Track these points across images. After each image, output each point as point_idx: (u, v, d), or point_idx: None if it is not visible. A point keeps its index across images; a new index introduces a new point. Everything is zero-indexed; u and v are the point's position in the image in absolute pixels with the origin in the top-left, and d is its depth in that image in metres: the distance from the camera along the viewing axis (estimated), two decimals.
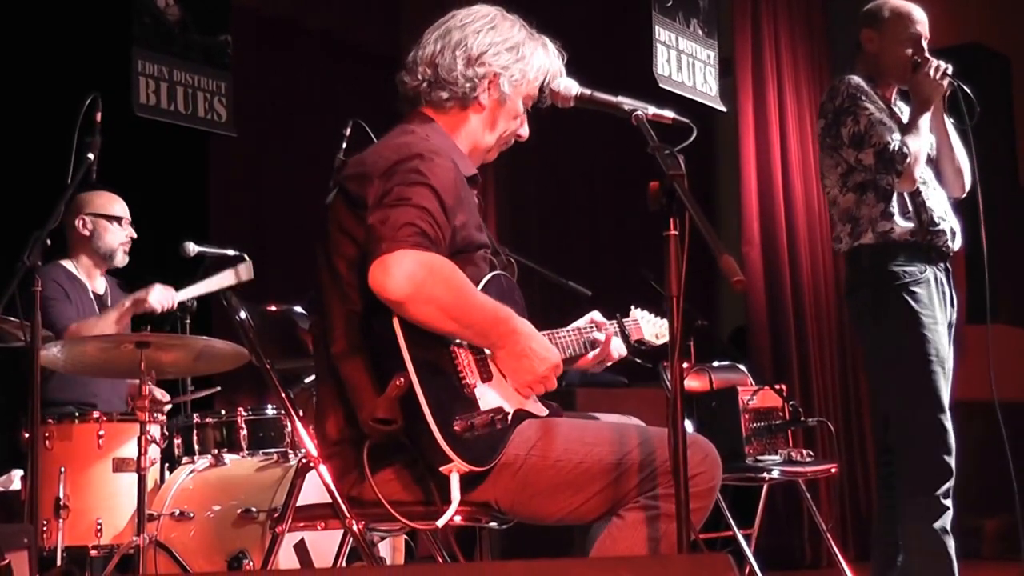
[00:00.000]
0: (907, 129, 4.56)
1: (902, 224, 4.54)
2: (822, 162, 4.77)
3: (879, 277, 4.56)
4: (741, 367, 5.80)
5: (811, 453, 5.33)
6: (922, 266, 4.55)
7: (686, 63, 6.65)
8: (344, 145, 4.40)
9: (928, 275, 4.55)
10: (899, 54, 4.66)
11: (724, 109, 7.06)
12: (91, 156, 4.23)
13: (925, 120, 4.56)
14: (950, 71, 4.55)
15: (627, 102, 3.06)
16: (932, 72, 4.54)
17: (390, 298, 2.82)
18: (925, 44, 4.67)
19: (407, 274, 2.80)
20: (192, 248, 5.50)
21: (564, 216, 8.54)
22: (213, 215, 7.58)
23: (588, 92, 3.21)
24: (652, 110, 3.04)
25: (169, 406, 5.37)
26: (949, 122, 4.69)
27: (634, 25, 6.85)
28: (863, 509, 7.44)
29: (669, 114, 3.07)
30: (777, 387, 5.43)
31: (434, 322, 2.87)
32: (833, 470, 5.35)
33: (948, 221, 4.64)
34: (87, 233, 5.51)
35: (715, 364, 5.67)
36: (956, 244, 4.67)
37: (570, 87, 3.24)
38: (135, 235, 5.61)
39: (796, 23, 7.61)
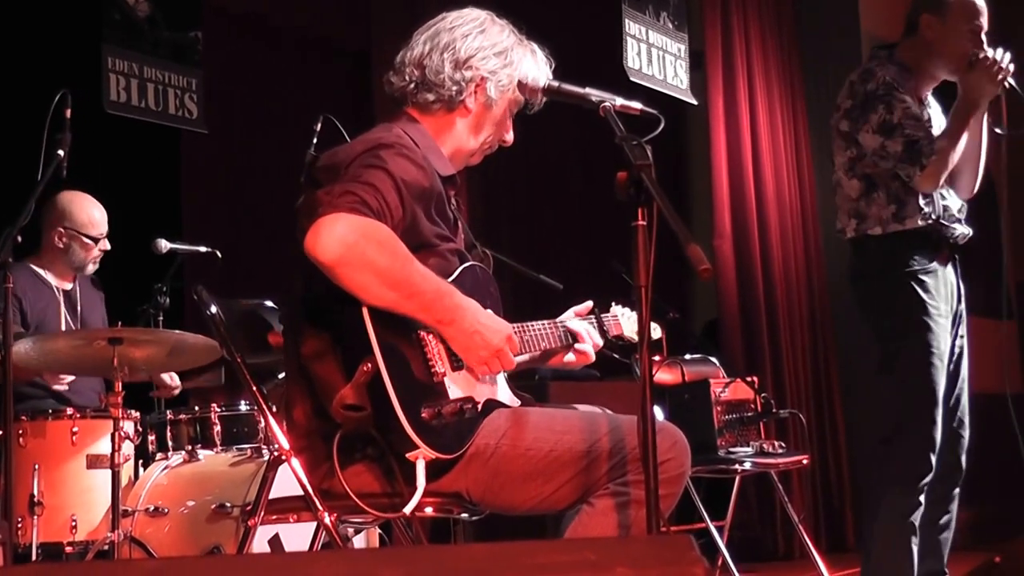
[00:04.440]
0: (946, 131, 4.40)
1: (913, 225, 4.43)
2: (834, 141, 4.61)
3: (888, 264, 4.46)
4: (713, 360, 5.83)
5: (783, 445, 5.37)
6: (931, 257, 4.46)
7: (656, 56, 6.67)
8: (315, 141, 4.40)
9: (936, 266, 4.46)
10: (959, 46, 4.45)
11: (695, 102, 7.08)
12: (61, 153, 4.22)
13: (965, 122, 4.37)
14: (1010, 72, 4.34)
15: (594, 93, 3.06)
16: (991, 73, 4.32)
17: (320, 259, 2.80)
18: (984, 39, 4.47)
19: (338, 236, 2.79)
20: (164, 245, 5.51)
21: (534, 209, 8.54)
22: (184, 212, 7.55)
23: (556, 84, 3.21)
24: (620, 101, 3.03)
25: (178, 390, 5.42)
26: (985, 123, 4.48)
27: (604, 19, 6.87)
28: (835, 500, 7.49)
29: (637, 105, 3.07)
30: (749, 379, 5.46)
31: (371, 289, 2.84)
32: (805, 461, 5.38)
33: (961, 217, 4.56)
34: (61, 246, 5.50)
35: (687, 357, 5.69)
36: (967, 237, 4.57)
37: (538, 79, 3.25)
38: (108, 247, 5.60)
39: (765, 15, 7.65)
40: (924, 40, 4.54)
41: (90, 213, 5.54)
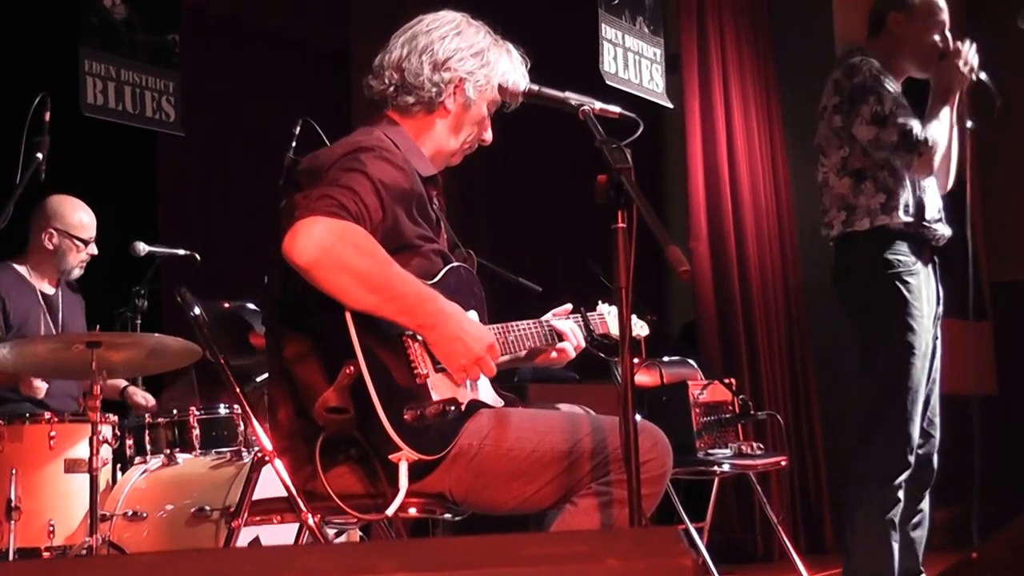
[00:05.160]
0: (928, 118, 4.47)
1: (901, 218, 4.48)
2: (826, 140, 4.64)
3: (874, 264, 4.49)
4: (691, 362, 5.84)
5: (761, 446, 5.38)
6: (914, 257, 4.50)
7: (633, 61, 6.68)
8: (294, 144, 4.40)
9: (919, 267, 4.50)
10: (927, 41, 4.58)
11: (671, 106, 7.09)
12: (40, 156, 4.22)
13: (946, 110, 4.48)
14: (976, 63, 4.49)
15: (574, 97, 3.09)
16: (959, 64, 4.47)
17: (297, 263, 2.80)
18: (948, 33, 4.58)
19: (315, 239, 2.79)
20: (142, 248, 5.53)
21: (512, 212, 8.56)
22: (161, 215, 7.55)
23: (536, 88, 3.23)
24: (599, 105, 3.06)
25: (153, 408, 5.42)
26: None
27: (580, 23, 6.88)
28: (813, 502, 7.51)
29: (616, 109, 3.10)
30: (727, 381, 5.47)
31: (350, 292, 2.83)
32: (783, 463, 5.39)
33: (941, 217, 4.60)
34: (50, 248, 5.51)
35: (665, 359, 5.69)
36: (946, 239, 4.61)
37: (518, 83, 3.28)
38: (96, 252, 5.61)
39: (741, 20, 7.67)
40: (893, 38, 4.63)
41: (81, 216, 5.57)
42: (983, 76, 4.51)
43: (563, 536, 2.13)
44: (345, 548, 2.09)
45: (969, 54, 4.48)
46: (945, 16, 4.61)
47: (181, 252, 5.72)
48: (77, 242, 5.52)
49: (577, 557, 1.35)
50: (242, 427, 5.08)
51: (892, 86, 4.51)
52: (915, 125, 4.42)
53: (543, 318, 3.49)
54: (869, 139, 4.47)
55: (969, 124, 4.57)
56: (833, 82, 4.60)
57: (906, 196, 4.51)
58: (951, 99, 4.50)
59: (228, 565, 1.32)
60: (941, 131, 4.45)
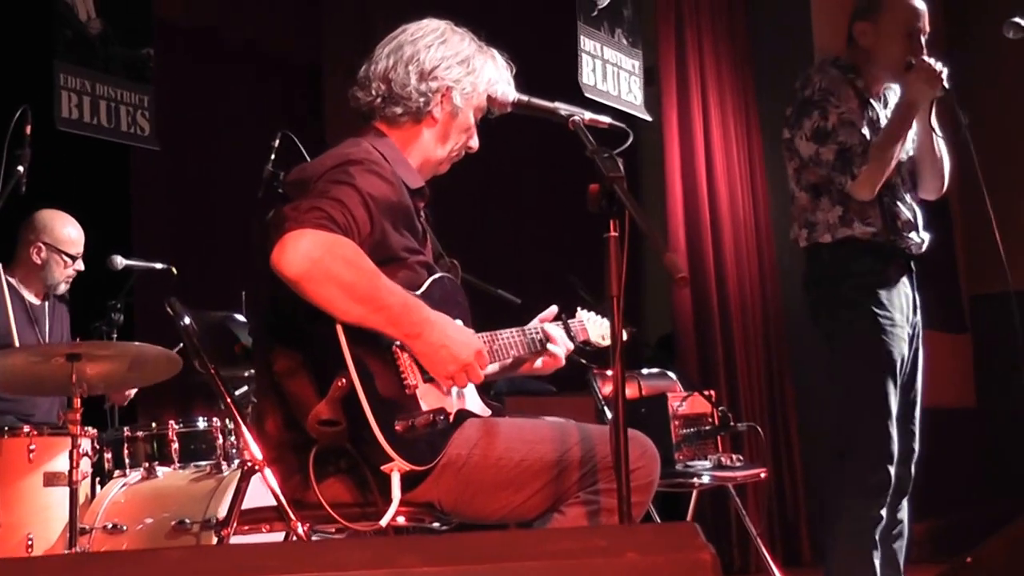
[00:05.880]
0: (882, 134, 4.38)
1: (864, 228, 4.39)
2: (781, 151, 4.58)
3: (839, 274, 4.42)
4: (670, 374, 5.83)
5: (741, 458, 5.37)
6: (884, 267, 4.42)
7: (611, 72, 6.69)
8: (272, 157, 4.40)
9: (890, 276, 4.42)
10: (894, 51, 4.44)
11: (649, 118, 7.09)
12: (21, 169, 4.21)
13: (904, 125, 4.36)
14: (945, 75, 4.31)
15: (563, 107, 3.10)
16: (925, 76, 4.31)
17: (286, 274, 2.80)
18: (924, 40, 4.44)
19: (303, 251, 2.79)
20: (119, 262, 5.52)
21: (489, 223, 8.55)
22: (136, 229, 7.53)
23: (525, 98, 3.24)
24: (588, 115, 3.07)
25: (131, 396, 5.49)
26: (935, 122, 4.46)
27: (559, 36, 6.89)
28: (790, 514, 7.51)
29: (605, 119, 3.10)
30: (707, 393, 5.46)
31: (337, 303, 2.83)
32: (763, 475, 5.38)
33: (916, 225, 4.50)
34: (38, 261, 5.53)
35: (644, 371, 5.69)
36: (923, 247, 4.52)
37: (507, 93, 3.27)
38: (83, 268, 5.61)
39: (719, 32, 7.68)
40: (861, 48, 4.54)
41: (70, 231, 5.62)
42: (950, 88, 4.35)
43: (582, 531, 2.15)
44: (373, 541, 2.09)
45: (937, 67, 4.32)
46: (921, 24, 4.47)
47: (159, 266, 5.71)
48: (65, 257, 5.56)
49: (597, 551, 1.35)
50: (221, 440, 5.06)
51: (845, 101, 4.42)
52: (857, 144, 4.33)
53: (530, 324, 3.49)
54: (809, 155, 4.41)
55: (965, 121, 4.34)
56: (793, 91, 4.55)
57: (868, 207, 4.41)
58: (914, 113, 4.37)
59: (255, 559, 1.32)
60: (891, 146, 4.33)
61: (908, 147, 4.53)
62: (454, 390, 3.12)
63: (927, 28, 4.50)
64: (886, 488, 4.34)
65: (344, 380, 2.82)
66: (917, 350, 4.56)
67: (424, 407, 2.95)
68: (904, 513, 4.56)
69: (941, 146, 4.52)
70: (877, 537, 4.37)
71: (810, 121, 4.39)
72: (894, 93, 4.60)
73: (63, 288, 5.63)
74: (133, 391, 5.56)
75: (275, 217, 2.94)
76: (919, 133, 4.49)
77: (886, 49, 4.47)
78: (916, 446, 4.57)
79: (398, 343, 2.96)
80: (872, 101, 4.55)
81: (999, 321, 4.41)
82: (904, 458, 4.49)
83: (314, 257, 2.80)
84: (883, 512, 4.36)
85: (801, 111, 4.43)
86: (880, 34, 4.49)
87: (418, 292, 3.09)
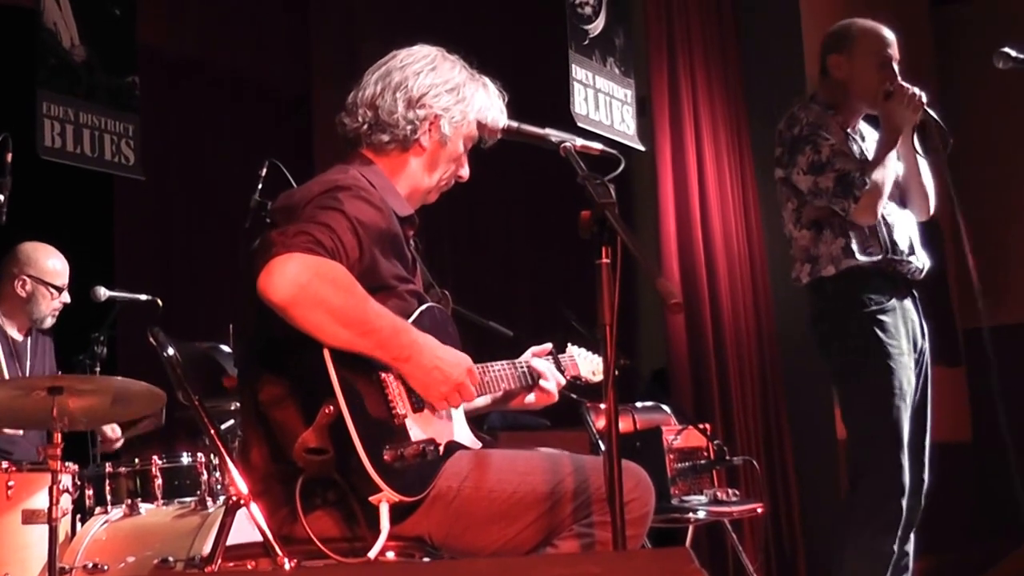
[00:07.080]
0: (873, 162, 4.44)
1: (864, 259, 4.43)
2: (779, 193, 4.64)
3: (844, 305, 4.45)
4: (665, 407, 5.80)
5: (737, 492, 5.31)
6: (888, 294, 4.45)
7: (603, 102, 6.65)
8: (260, 186, 4.35)
9: (895, 304, 4.45)
10: (869, 81, 4.54)
11: (642, 148, 7.06)
12: (1, 198, 4.16)
13: (893, 152, 4.45)
14: (924, 100, 4.41)
15: (554, 134, 3.08)
16: (906, 102, 4.41)
17: (273, 300, 2.75)
18: (896, 67, 4.55)
19: (291, 276, 2.75)
20: (103, 293, 5.47)
21: (479, 254, 8.50)
22: (119, 259, 7.47)
23: (516, 125, 3.22)
24: (580, 142, 3.05)
25: (120, 442, 5.37)
26: (917, 144, 4.54)
27: (551, 64, 6.85)
28: (787, 550, 7.42)
29: (597, 146, 3.09)
30: (702, 426, 5.41)
31: (325, 328, 2.79)
32: (760, 510, 5.34)
33: (916, 250, 4.56)
34: (23, 295, 5.47)
35: (638, 405, 5.65)
36: (923, 272, 4.57)
37: (497, 119, 3.24)
38: (69, 301, 5.53)
39: (712, 61, 7.65)
40: (836, 80, 4.63)
41: (54, 263, 5.58)
42: (932, 114, 4.46)
43: (576, 557, 2.09)
44: (360, 570, 2.01)
45: (915, 91, 4.42)
46: (891, 51, 4.57)
47: (143, 297, 5.63)
48: (51, 289, 5.53)
49: None
50: (206, 475, 4.95)
51: (832, 134, 4.49)
52: (855, 170, 4.38)
53: (521, 358, 3.42)
54: (808, 188, 4.46)
55: (950, 141, 4.45)
56: (778, 132, 4.62)
57: (869, 235, 4.47)
58: (898, 139, 4.45)
59: None
60: (886, 174, 4.41)
61: (899, 168, 4.59)
62: (443, 422, 3.06)
63: (897, 55, 4.59)
64: (897, 522, 4.34)
65: (331, 407, 2.77)
66: (927, 377, 4.57)
67: (413, 437, 2.90)
68: (911, 546, 4.58)
69: (925, 168, 4.59)
70: (888, 574, 4.36)
71: (804, 156, 4.46)
72: (868, 129, 4.70)
73: (49, 322, 5.58)
74: (121, 441, 5.46)
75: (261, 243, 2.90)
76: (904, 156, 4.56)
77: (861, 79, 4.57)
78: (926, 476, 4.56)
79: (385, 369, 2.91)
80: (851, 134, 4.64)
81: (994, 354, 4.36)
82: (915, 489, 4.48)
83: (301, 282, 2.76)
84: (894, 548, 4.36)
85: (794, 148, 4.50)
86: (854, 66, 4.58)
87: (408, 321, 3.03)
